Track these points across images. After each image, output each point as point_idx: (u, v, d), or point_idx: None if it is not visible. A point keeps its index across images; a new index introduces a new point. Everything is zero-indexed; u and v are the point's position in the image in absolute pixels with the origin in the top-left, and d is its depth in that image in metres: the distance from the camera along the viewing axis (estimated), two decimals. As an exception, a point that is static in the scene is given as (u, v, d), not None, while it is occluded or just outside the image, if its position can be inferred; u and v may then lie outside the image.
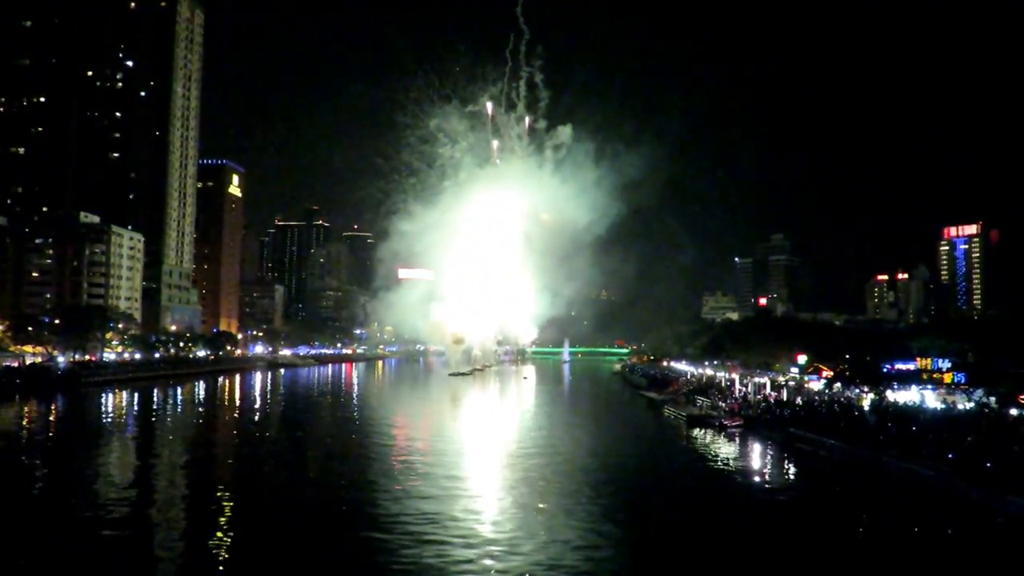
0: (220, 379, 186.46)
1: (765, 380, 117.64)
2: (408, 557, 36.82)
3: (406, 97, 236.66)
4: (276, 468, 65.78)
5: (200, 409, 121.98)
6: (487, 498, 52.21)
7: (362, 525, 43.59)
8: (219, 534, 42.30)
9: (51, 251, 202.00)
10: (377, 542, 39.35)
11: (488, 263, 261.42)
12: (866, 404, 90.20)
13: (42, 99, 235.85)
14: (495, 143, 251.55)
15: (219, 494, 52.83)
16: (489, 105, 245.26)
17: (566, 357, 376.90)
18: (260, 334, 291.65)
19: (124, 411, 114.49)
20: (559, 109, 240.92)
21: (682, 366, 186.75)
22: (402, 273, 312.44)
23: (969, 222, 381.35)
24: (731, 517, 48.60)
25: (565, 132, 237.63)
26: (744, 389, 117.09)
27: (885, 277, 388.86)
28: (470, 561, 36.49)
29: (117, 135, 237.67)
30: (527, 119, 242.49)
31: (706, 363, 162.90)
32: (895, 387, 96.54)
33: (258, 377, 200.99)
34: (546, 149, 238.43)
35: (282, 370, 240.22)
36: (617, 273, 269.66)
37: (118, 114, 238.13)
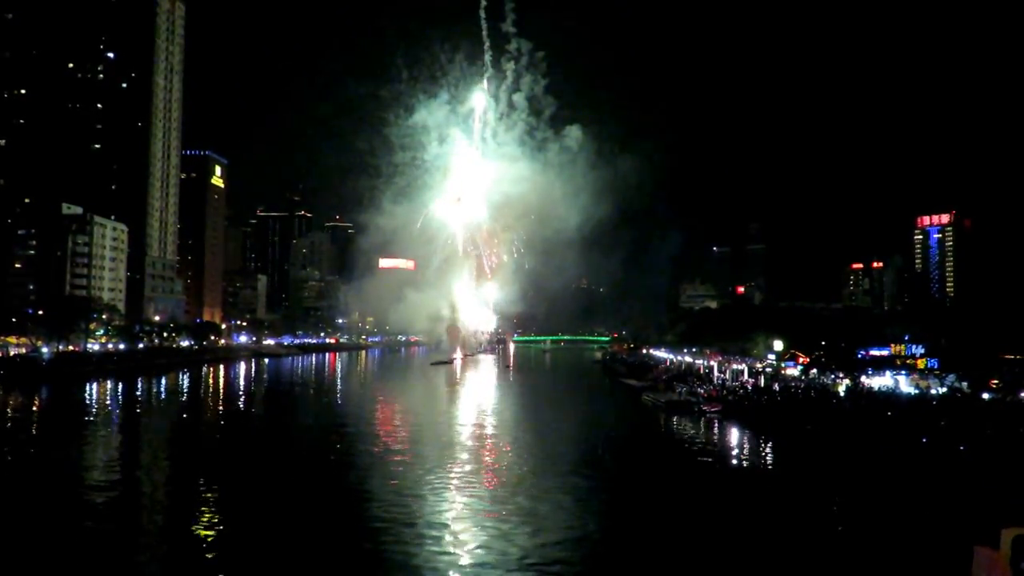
0: (204, 368, 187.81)
1: (743, 367, 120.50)
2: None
3: (392, 92, 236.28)
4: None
5: (184, 400, 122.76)
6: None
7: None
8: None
9: (34, 242, 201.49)
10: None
11: (471, 254, 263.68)
12: (842, 390, 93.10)
13: (23, 91, 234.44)
14: (480, 137, 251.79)
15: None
16: (477, 102, 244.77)
17: (547, 346, 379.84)
18: (244, 324, 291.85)
19: (108, 402, 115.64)
20: (556, 110, 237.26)
21: (661, 353, 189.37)
22: (383, 263, 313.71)
23: (943, 211, 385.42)
24: (709, 494, 51.20)
25: (573, 132, 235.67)
26: (722, 376, 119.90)
27: (860, 265, 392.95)
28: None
29: (99, 126, 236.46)
30: (514, 115, 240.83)
31: (685, 350, 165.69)
32: (870, 372, 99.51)
33: (242, 367, 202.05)
34: (548, 150, 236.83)
35: (266, 360, 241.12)
36: (602, 265, 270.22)
37: (100, 105, 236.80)
